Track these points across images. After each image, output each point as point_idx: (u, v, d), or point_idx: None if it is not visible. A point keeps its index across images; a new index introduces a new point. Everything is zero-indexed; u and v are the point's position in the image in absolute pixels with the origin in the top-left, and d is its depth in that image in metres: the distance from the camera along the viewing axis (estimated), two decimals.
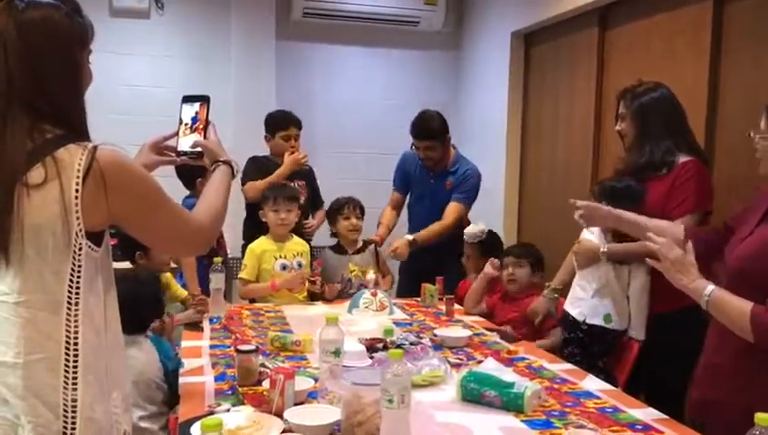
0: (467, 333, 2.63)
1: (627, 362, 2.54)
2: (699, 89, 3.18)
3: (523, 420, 1.78)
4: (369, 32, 5.38)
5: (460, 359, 2.34)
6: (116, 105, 4.69)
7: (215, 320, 2.82)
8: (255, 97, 4.93)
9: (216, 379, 2.08)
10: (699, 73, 3.20)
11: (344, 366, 1.91)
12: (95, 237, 1.29)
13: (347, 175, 5.16)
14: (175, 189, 3.15)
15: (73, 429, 1.25)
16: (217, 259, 2.97)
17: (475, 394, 1.89)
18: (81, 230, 1.25)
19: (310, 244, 3.72)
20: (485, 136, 5.13)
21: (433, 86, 5.54)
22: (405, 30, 5.42)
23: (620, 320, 2.53)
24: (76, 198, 1.23)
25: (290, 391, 1.75)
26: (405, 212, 4.08)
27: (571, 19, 4.20)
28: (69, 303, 1.26)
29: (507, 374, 1.97)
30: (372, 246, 3.60)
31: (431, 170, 3.80)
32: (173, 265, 3.26)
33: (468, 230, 3.41)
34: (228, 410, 1.76)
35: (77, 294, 1.26)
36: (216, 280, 2.92)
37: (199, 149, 1.69)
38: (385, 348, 2.27)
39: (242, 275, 3.31)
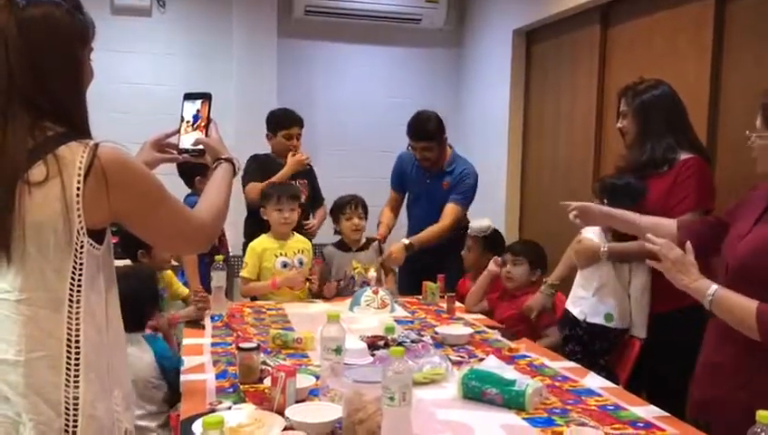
0: (469, 330, 2.62)
1: (628, 359, 2.54)
2: (701, 87, 3.18)
3: (524, 418, 1.78)
4: (371, 29, 5.37)
5: (461, 356, 2.34)
6: (117, 103, 4.70)
7: (216, 318, 2.82)
8: (257, 95, 4.93)
9: (218, 376, 2.08)
10: (701, 71, 3.20)
11: (345, 364, 1.91)
12: (97, 235, 1.29)
13: (348, 173, 5.17)
14: (176, 187, 3.15)
15: (75, 426, 1.24)
16: (219, 257, 2.97)
17: (477, 392, 1.89)
18: (82, 228, 1.25)
19: (311, 242, 3.72)
20: (487, 133, 5.13)
21: (435, 84, 5.54)
22: (406, 28, 5.42)
23: (621, 319, 2.53)
24: (77, 195, 1.23)
25: (291, 388, 1.76)
26: (404, 213, 4.08)
27: (572, 16, 4.20)
28: (70, 300, 1.26)
29: (508, 372, 1.97)
30: (376, 243, 3.60)
31: (428, 171, 3.80)
32: (174, 262, 3.27)
33: (475, 223, 3.41)
34: (230, 408, 1.76)
35: (78, 291, 1.26)
36: (218, 278, 2.93)
37: (201, 146, 1.69)
38: (386, 346, 2.27)
39: (243, 273, 3.31)
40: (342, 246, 3.53)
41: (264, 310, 3.04)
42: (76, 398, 1.25)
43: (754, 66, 2.95)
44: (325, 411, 1.70)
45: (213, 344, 2.45)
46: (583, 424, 1.73)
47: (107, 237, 1.34)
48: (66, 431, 1.24)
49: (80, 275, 1.26)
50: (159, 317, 2.66)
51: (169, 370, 2.36)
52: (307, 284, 3.31)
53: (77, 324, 1.26)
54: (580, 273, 2.65)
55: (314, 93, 5.33)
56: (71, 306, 1.26)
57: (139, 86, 4.93)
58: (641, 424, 1.76)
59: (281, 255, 3.31)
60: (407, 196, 4.04)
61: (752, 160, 1.86)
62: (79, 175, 1.23)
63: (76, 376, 1.25)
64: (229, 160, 1.65)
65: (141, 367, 2.30)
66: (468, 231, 3.45)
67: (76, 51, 1.33)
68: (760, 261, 1.74)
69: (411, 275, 3.68)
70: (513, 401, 1.83)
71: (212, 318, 2.82)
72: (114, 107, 4.62)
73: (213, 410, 1.73)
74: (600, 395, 1.98)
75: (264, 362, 2.08)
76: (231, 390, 1.96)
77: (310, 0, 5.05)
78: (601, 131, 4.00)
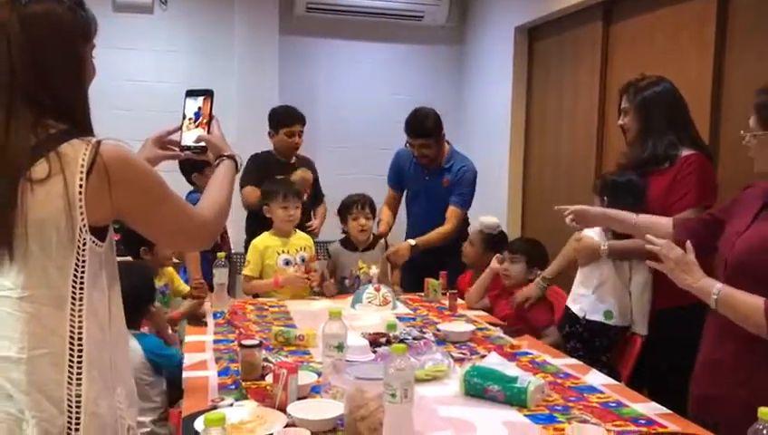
0: (470, 327, 2.63)
1: (630, 357, 2.54)
2: (703, 84, 3.17)
3: (526, 415, 1.78)
4: (373, 26, 5.37)
5: (463, 353, 2.34)
6: (119, 100, 4.70)
7: (218, 315, 2.82)
8: (259, 92, 4.93)
9: (220, 373, 2.08)
10: (703, 68, 3.20)
11: (347, 361, 1.91)
12: (99, 232, 1.29)
13: (350, 170, 5.17)
14: (178, 184, 3.15)
15: (78, 424, 1.25)
16: (221, 254, 2.98)
17: (479, 389, 1.89)
18: (84, 225, 1.25)
19: (315, 240, 3.72)
20: (489, 131, 5.12)
21: (436, 81, 5.53)
22: (408, 25, 5.41)
23: (622, 316, 2.53)
24: (80, 193, 1.23)
25: (293, 385, 1.76)
26: (403, 211, 4.09)
27: (574, 13, 4.19)
28: (73, 298, 1.26)
29: (510, 369, 1.97)
30: (383, 241, 3.61)
31: (426, 167, 3.81)
32: (175, 260, 3.27)
33: (485, 219, 3.40)
34: (231, 405, 1.77)
35: (81, 289, 1.26)
36: (220, 275, 2.93)
37: (203, 143, 1.69)
38: (388, 343, 2.28)
39: (245, 271, 3.31)
40: (349, 244, 3.53)
41: (266, 307, 3.04)
42: (79, 395, 1.25)
43: (757, 63, 2.95)
44: (327, 408, 1.70)
45: (215, 341, 2.45)
46: (585, 421, 1.73)
47: (109, 235, 1.34)
48: (69, 429, 1.24)
49: (82, 272, 1.26)
50: (157, 313, 2.65)
51: (163, 366, 2.36)
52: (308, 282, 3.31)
53: (80, 322, 1.26)
54: (580, 270, 2.65)
55: (316, 90, 5.32)
56: (73, 304, 1.26)
57: (140, 83, 4.93)
58: (643, 421, 1.76)
59: (283, 252, 3.31)
60: (405, 193, 4.04)
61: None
62: (81, 172, 1.23)
63: (79, 373, 1.25)
64: (231, 157, 1.65)
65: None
66: (477, 225, 3.44)
67: (78, 48, 1.33)
68: (758, 258, 1.75)
69: (413, 273, 3.69)
70: (515, 397, 1.84)
71: (214, 315, 2.82)
72: (116, 104, 4.62)
73: (215, 407, 1.74)
74: (601, 392, 1.98)
75: (265, 359, 2.08)
76: (233, 387, 1.96)
77: None
78: (603, 128, 4.00)
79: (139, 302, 2.38)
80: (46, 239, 1.23)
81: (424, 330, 2.58)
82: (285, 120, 3.93)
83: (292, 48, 5.21)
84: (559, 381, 2.08)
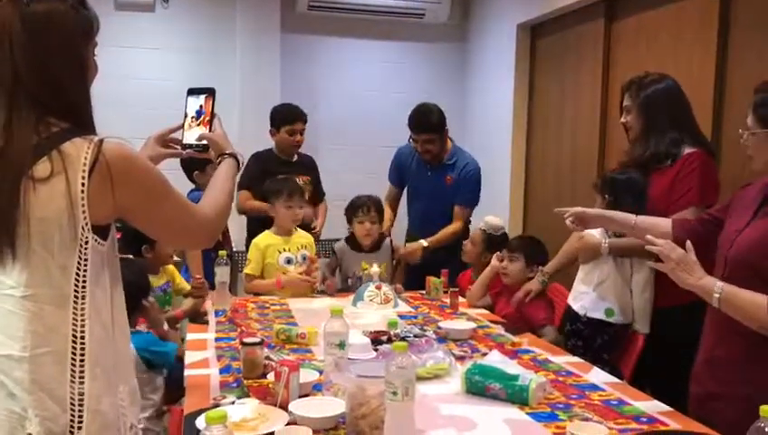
0: (472, 325, 2.63)
1: (632, 354, 2.53)
2: (706, 81, 3.16)
3: (527, 413, 1.78)
4: (375, 24, 5.37)
5: (465, 351, 2.34)
6: (121, 98, 4.69)
7: (220, 313, 2.83)
8: (260, 90, 4.93)
9: (221, 371, 2.09)
10: (706, 66, 3.19)
11: (349, 359, 1.92)
12: (101, 231, 1.29)
13: (351, 168, 5.18)
14: (180, 183, 3.16)
15: (80, 422, 1.25)
16: (222, 252, 2.98)
17: (480, 387, 1.89)
18: (87, 224, 1.25)
19: (318, 239, 3.72)
20: (491, 128, 5.12)
21: (439, 79, 5.53)
22: (410, 22, 5.41)
23: (623, 314, 2.53)
24: (82, 191, 1.23)
25: (294, 383, 1.76)
26: (403, 211, 4.09)
27: (577, 11, 4.19)
28: (75, 297, 1.26)
29: (512, 367, 1.97)
30: (388, 241, 3.61)
31: (428, 164, 3.81)
32: (176, 258, 3.27)
33: (490, 219, 3.39)
34: (233, 403, 1.77)
35: (83, 287, 1.26)
36: (221, 273, 2.93)
37: (205, 141, 1.69)
38: (389, 341, 2.28)
39: (247, 270, 3.31)
40: (354, 244, 3.53)
41: (267, 305, 3.05)
42: (81, 393, 1.25)
43: (759, 61, 2.94)
44: (328, 406, 1.70)
45: (217, 339, 2.46)
46: (587, 419, 1.73)
47: (111, 233, 1.34)
48: (72, 427, 1.24)
49: (84, 271, 1.26)
50: (151, 307, 2.64)
51: (157, 362, 2.35)
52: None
53: (82, 320, 1.26)
54: (581, 268, 2.65)
55: (317, 88, 5.32)
56: (76, 302, 1.26)
57: (142, 81, 4.93)
58: (645, 419, 1.76)
59: (284, 250, 3.31)
60: (406, 190, 4.04)
61: None
62: (83, 171, 1.23)
63: (81, 372, 1.26)
64: (233, 155, 1.65)
65: None
66: (481, 224, 3.44)
67: (80, 46, 1.33)
68: (758, 255, 1.74)
69: (414, 271, 3.69)
70: (516, 395, 1.84)
71: (216, 313, 2.83)
72: (118, 102, 4.61)
73: (216, 405, 1.74)
74: (603, 390, 1.99)
75: (267, 357, 2.08)
76: (235, 384, 1.97)
77: None
78: (606, 126, 3.99)
79: (131, 299, 2.37)
80: (49, 238, 1.23)
81: (425, 328, 2.58)
82: (287, 118, 3.93)
83: (294, 46, 5.20)
84: (560, 378, 2.08)
